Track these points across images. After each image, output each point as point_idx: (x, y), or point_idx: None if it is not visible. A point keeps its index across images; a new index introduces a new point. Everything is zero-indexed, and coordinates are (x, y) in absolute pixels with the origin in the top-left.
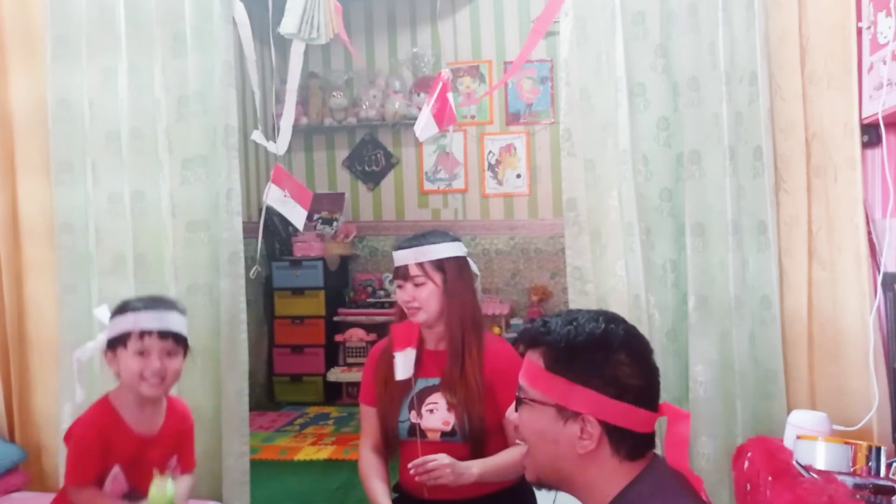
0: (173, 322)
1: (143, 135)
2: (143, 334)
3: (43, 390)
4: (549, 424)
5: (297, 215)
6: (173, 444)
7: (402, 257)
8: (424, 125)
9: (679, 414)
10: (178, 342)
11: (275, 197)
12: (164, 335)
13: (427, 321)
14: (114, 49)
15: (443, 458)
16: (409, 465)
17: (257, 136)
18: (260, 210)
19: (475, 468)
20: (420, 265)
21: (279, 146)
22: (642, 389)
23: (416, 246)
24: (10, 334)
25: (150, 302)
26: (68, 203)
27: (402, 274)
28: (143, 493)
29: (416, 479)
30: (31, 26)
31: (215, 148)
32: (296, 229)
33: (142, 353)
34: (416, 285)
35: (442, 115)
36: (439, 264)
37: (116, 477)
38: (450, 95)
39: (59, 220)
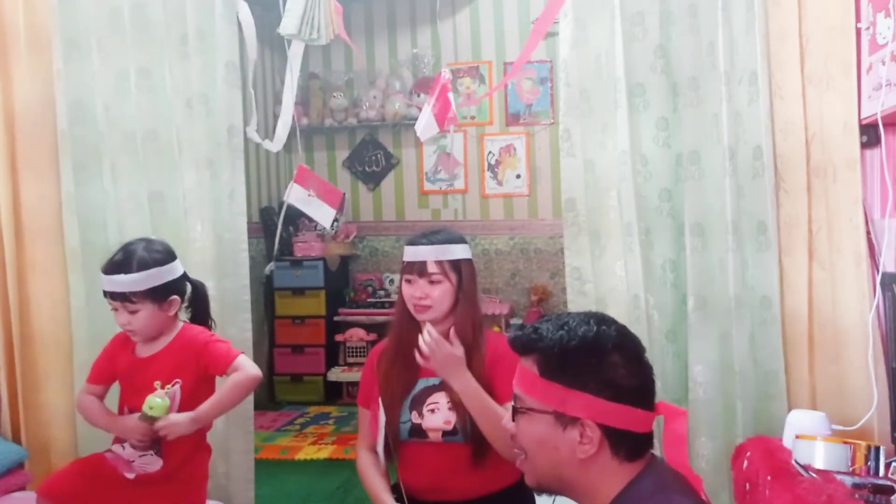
0: (119, 282)
1: (158, 136)
2: (105, 294)
3: (51, 388)
4: (547, 432)
5: (323, 214)
6: (173, 371)
7: (421, 253)
8: (425, 125)
9: (675, 412)
10: (133, 298)
11: (298, 197)
12: (114, 296)
13: (434, 320)
14: (124, 52)
15: (456, 351)
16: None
17: (251, 132)
18: (261, 210)
19: (471, 382)
20: (439, 263)
21: (275, 144)
22: (638, 389)
23: (437, 243)
24: (16, 333)
25: (108, 264)
26: (89, 201)
27: (416, 269)
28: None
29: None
30: (35, 28)
31: (219, 149)
32: (296, 229)
33: (115, 310)
34: (432, 282)
35: (443, 116)
36: (456, 265)
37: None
38: (450, 96)
39: (82, 218)
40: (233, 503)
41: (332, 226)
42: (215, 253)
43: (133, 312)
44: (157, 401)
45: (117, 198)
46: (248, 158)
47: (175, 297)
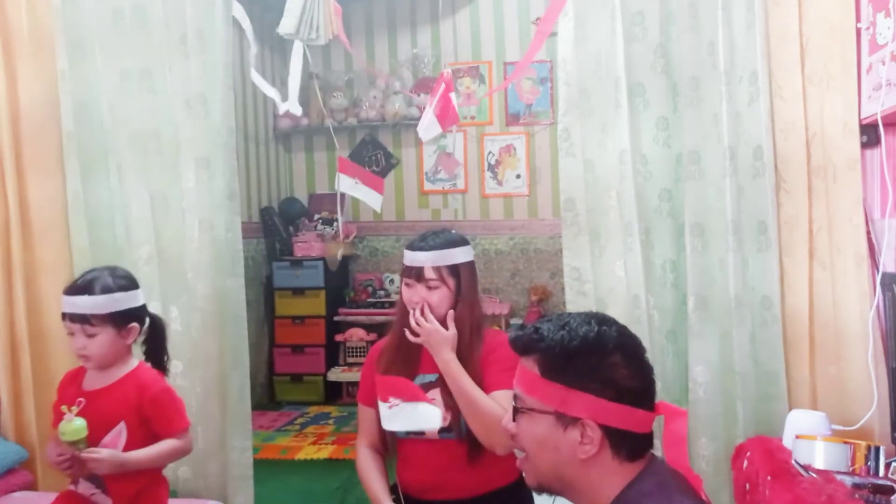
0: (81, 304)
1: (159, 136)
2: (63, 317)
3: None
4: (548, 432)
5: (373, 198)
6: (120, 409)
7: (420, 259)
8: (427, 125)
9: (675, 412)
10: (94, 321)
11: (347, 184)
12: (73, 318)
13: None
14: (126, 52)
15: (443, 330)
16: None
17: (255, 77)
18: (261, 210)
19: (452, 362)
20: (436, 269)
21: (291, 106)
22: (639, 390)
23: (435, 249)
24: (24, 331)
25: (70, 286)
26: (96, 200)
27: (414, 274)
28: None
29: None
30: (39, 29)
31: (216, 149)
32: (297, 230)
33: (71, 334)
34: (430, 288)
35: (445, 116)
36: (455, 269)
37: None
38: (452, 96)
39: (89, 216)
40: (232, 501)
41: (332, 225)
42: (212, 253)
43: (91, 336)
44: (68, 427)
45: (123, 197)
46: (248, 159)
47: (134, 324)
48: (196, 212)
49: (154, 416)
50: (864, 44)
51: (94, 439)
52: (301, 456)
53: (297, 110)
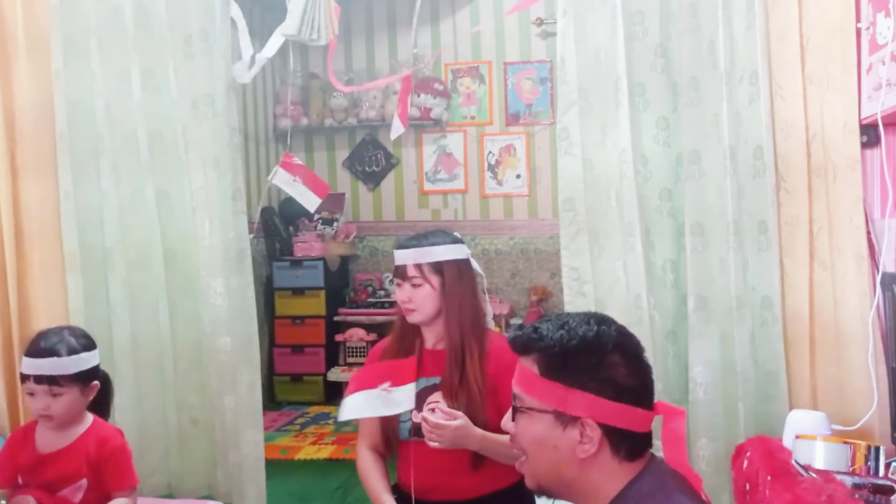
0: (48, 366)
1: (163, 136)
2: (24, 379)
3: None
4: (547, 431)
5: (308, 200)
6: (81, 467)
7: (401, 257)
8: (394, 126)
9: (674, 411)
10: (62, 381)
11: (282, 179)
12: (40, 379)
13: (422, 321)
14: (126, 52)
15: (452, 423)
16: (423, 414)
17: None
18: (261, 210)
19: (484, 439)
20: (418, 266)
21: (248, 75)
22: (638, 389)
23: (416, 246)
24: (16, 335)
25: (33, 347)
26: (86, 202)
27: (400, 273)
28: None
29: (423, 427)
30: (35, 28)
31: (224, 149)
32: (297, 229)
33: (31, 394)
34: (414, 286)
35: (404, 114)
36: (438, 266)
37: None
38: (409, 98)
39: (79, 219)
40: (245, 493)
41: (332, 225)
42: (222, 251)
43: (56, 396)
44: None
45: (119, 198)
46: (248, 159)
47: (96, 382)
48: (205, 211)
49: (107, 471)
50: (864, 44)
51: (54, 497)
52: (301, 456)
53: (247, 79)
